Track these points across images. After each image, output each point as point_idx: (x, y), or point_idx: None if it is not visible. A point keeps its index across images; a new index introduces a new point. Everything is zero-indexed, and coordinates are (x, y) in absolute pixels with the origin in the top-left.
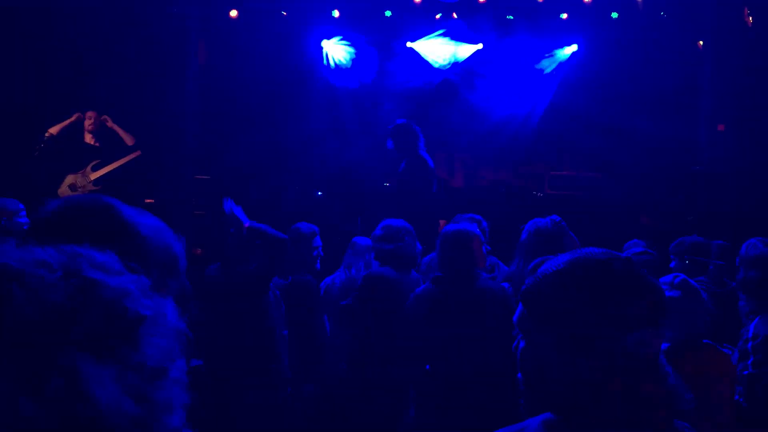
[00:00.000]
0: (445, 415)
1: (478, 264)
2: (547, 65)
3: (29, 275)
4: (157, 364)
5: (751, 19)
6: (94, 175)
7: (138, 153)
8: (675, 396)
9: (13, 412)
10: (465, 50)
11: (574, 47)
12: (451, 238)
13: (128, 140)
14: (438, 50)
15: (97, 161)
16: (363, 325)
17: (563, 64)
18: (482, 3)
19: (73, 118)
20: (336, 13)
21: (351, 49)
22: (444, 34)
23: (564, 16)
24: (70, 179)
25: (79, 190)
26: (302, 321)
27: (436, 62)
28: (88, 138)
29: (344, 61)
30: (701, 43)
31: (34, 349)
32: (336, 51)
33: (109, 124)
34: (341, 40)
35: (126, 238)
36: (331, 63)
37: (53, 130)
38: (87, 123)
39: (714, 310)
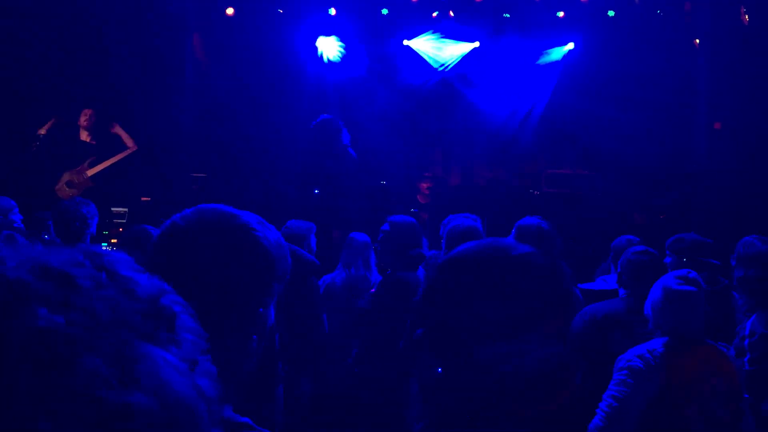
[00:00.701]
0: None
1: None
2: (544, 63)
3: (83, 277)
4: (192, 356)
5: (747, 17)
6: (90, 172)
7: (134, 149)
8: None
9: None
10: (461, 48)
11: (570, 45)
12: (462, 234)
13: (130, 144)
14: (435, 48)
15: (94, 158)
16: (381, 326)
17: (560, 63)
18: (479, 2)
19: (49, 124)
20: (332, 11)
21: (346, 47)
22: (441, 33)
23: (561, 14)
24: (66, 176)
25: (76, 187)
26: (302, 318)
27: (433, 60)
28: (84, 135)
29: (340, 59)
30: (698, 41)
31: (113, 349)
32: (332, 49)
33: (115, 129)
34: (337, 38)
35: (260, 256)
36: (327, 60)
37: (42, 130)
38: (82, 120)
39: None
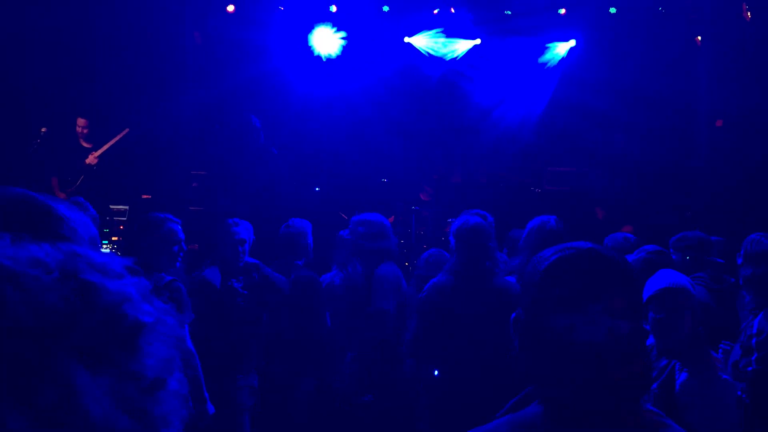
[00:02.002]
0: (452, 410)
1: (493, 259)
2: (546, 60)
3: (23, 275)
4: (156, 375)
5: (749, 14)
6: (93, 155)
7: (126, 131)
8: (643, 381)
9: (1, 425)
10: (463, 45)
11: (572, 42)
12: (470, 231)
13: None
14: (436, 46)
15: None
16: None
17: (561, 60)
18: None
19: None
20: (334, 8)
21: (347, 44)
22: (442, 30)
23: (562, 11)
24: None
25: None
26: (305, 317)
27: (434, 57)
28: (83, 143)
29: (341, 55)
30: (699, 38)
31: (27, 356)
32: (333, 46)
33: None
34: (339, 35)
35: (54, 224)
36: (328, 57)
37: (43, 128)
38: (79, 130)
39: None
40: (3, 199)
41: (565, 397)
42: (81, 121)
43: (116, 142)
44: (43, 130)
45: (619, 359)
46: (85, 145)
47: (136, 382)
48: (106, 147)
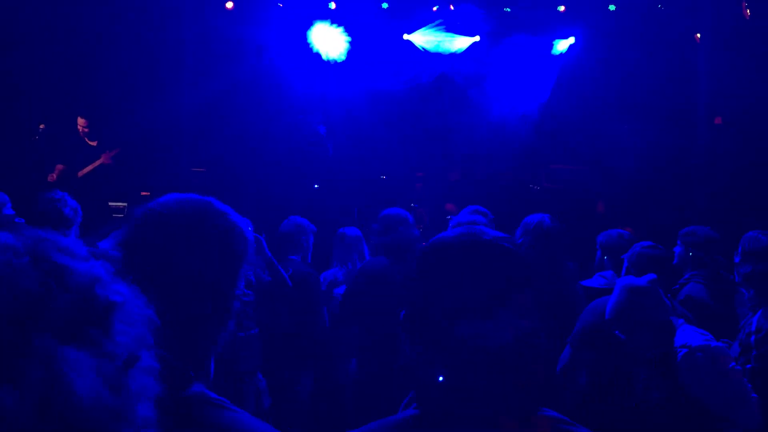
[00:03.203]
0: None
1: None
2: (545, 57)
3: None
4: (129, 352)
5: (749, 11)
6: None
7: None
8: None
9: None
10: (461, 42)
11: (571, 40)
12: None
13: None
14: (435, 43)
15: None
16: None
17: (560, 57)
18: None
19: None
20: (333, 5)
21: (347, 41)
22: (441, 26)
23: (561, 8)
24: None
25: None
26: (303, 313)
27: (433, 55)
28: (88, 141)
29: (340, 53)
30: (699, 35)
31: (9, 337)
32: (332, 43)
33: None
34: (337, 31)
35: (238, 242)
36: (327, 54)
37: (42, 125)
38: (80, 129)
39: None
40: None
41: (453, 403)
42: (81, 121)
43: (101, 162)
44: (42, 126)
45: (522, 362)
46: (90, 143)
47: (112, 358)
48: (91, 167)
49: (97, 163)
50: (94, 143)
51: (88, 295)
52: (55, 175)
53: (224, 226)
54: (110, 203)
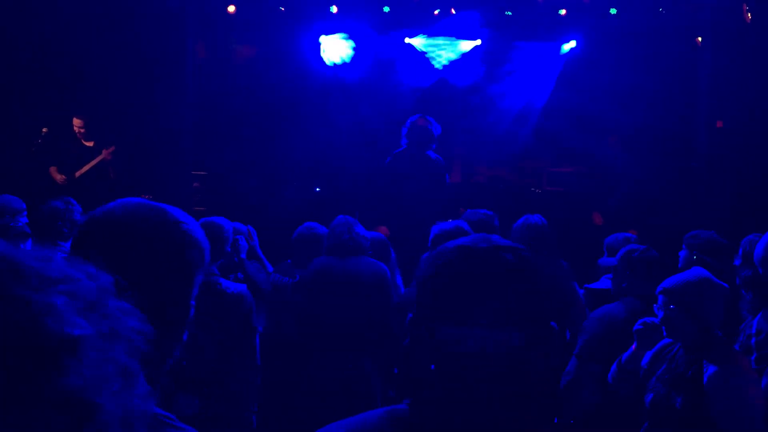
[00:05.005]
0: None
1: None
2: (546, 61)
3: None
4: (86, 397)
5: (750, 15)
6: (78, 173)
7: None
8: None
9: None
10: (463, 46)
11: (572, 43)
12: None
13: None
14: (436, 46)
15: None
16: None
17: (561, 60)
18: None
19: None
20: (334, 9)
21: (349, 45)
22: (442, 30)
23: (563, 12)
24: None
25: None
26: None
27: (434, 58)
28: (84, 142)
29: (342, 57)
30: (700, 39)
31: None
32: (334, 47)
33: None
34: (339, 36)
35: (193, 249)
36: (329, 59)
37: (44, 128)
38: (76, 130)
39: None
40: None
41: (436, 412)
42: (77, 121)
43: (99, 161)
44: (45, 130)
45: (507, 374)
46: (86, 144)
47: (58, 407)
48: (88, 166)
49: (98, 159)
50: (90, 144)
51: (33, 330)
52: (64, 177)
53: (176, 233)
54: None
